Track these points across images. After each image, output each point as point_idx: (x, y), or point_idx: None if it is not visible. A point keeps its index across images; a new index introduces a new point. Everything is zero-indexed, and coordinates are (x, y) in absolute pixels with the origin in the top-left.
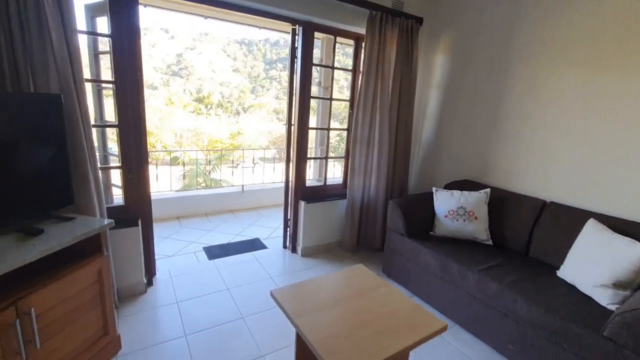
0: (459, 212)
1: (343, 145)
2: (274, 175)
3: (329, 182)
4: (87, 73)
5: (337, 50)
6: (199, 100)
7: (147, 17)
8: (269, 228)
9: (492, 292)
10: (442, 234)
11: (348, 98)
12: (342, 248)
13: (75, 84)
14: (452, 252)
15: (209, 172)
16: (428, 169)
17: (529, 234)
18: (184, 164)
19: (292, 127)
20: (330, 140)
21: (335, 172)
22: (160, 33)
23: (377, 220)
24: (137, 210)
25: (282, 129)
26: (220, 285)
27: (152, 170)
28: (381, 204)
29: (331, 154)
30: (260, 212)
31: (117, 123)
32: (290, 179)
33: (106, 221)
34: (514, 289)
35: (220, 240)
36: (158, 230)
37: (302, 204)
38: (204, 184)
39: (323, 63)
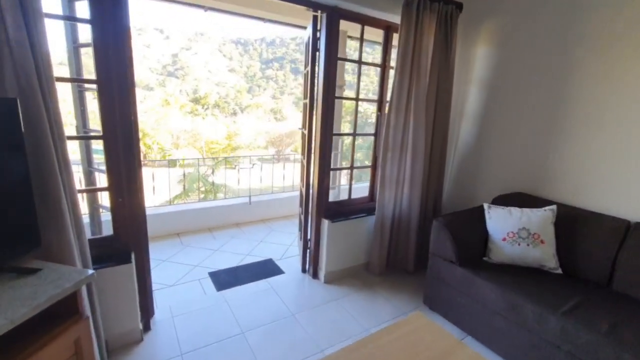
0: (521, 234)
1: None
2: (283, 182)
3: (343, 193)
4: (64, 71)
5: (347, 43)
6: (196, 100)
7: (141, 16)
8: (282, 245)
9: (583, 343)
10: (499, 261)
11: (371, 98)
12: (369, 272)
13: (41, 83)
14: (518, 286)
15: (212, 182)
16: (465, 178)
17: (612, 262)
18: (183, 167)
19: (314, 134)
20: (343, 146)
21: (345, 180)
22: (155, 33)
23: (409, 239)
24: (129, 241)
25: (280, 129)
26: (234, 328)
27: (148, 175)
28: (415, 220)
29: (343, 163)
30: (270, 225)
31: (102, 133)
32: (311, 194)
33: (89, 272)
34: (615, 340)
35: (229, 262)
36: (156, 252)
37: (325, 222)
38: (204, 189)
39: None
